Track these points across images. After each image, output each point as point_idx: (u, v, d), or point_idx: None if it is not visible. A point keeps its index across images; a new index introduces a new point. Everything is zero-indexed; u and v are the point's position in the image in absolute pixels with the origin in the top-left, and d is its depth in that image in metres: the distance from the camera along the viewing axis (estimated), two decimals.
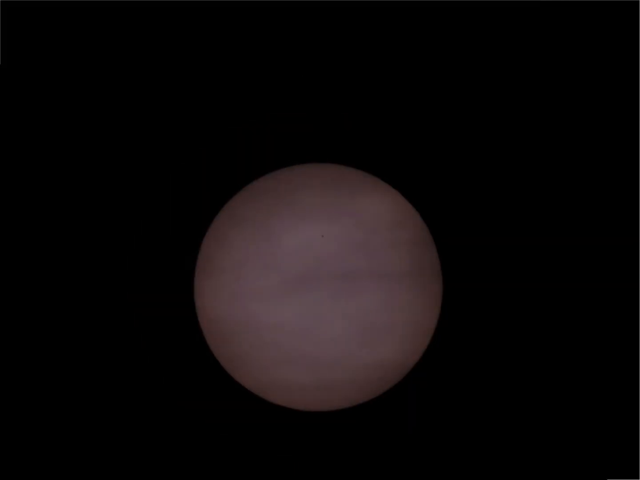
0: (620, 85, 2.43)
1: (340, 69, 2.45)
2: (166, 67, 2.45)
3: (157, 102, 2.45)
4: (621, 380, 2.40)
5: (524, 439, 2.41)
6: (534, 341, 2.41)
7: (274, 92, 2.45)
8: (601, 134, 2.44)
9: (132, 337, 2.41)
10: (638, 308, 2.40)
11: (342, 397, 2.20)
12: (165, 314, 2.41)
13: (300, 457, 2.40)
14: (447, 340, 2.40)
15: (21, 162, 2.42)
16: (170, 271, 2.41)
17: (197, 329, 2.34)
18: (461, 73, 2.44)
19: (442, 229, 2.41)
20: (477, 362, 2.41)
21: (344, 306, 2.09)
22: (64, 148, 2.43)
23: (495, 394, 2.41)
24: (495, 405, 2.41)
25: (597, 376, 2.41)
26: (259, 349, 2.13)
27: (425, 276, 2.21)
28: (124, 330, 2.41)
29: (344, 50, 2.45)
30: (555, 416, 2.41)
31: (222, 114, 2.45)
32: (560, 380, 2.41)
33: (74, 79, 2.44)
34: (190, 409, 2.41)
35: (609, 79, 2.44)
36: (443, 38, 2.45)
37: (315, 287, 2.08)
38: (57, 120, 2.43)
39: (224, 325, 2.16)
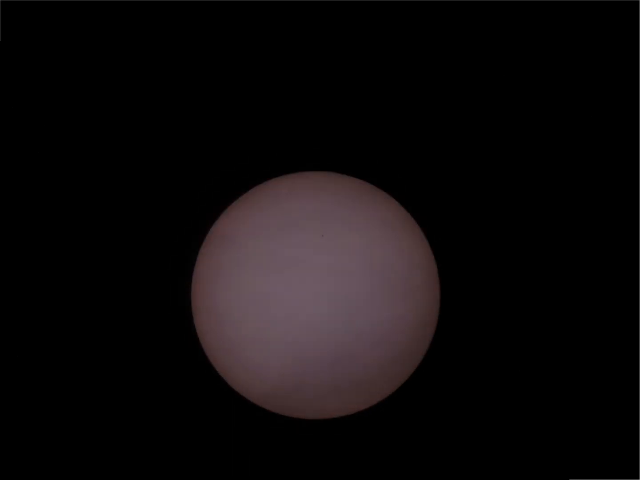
0: (620, 85, 2.43)
1: (336, 73, 2.44)
2: (163, 66, 2.44)
3: (155, 103, 2.44)
4: (621, 380, 2.41)
5: (523, 439, 2.41)
6: (534, 341, 2.42)
7: (271, 98, 2.45)
8: (601, 134, 2.44)
9: (126, 342, 2.41)
10: (638, 308, 2.40)
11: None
12: (161, 323, 2.41)
13: (299, 467, 2.40)
14: (445, 345, 2.40)
15: (19, 163, 2.42)
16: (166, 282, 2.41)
17: (194, 332, 2.34)
18: (459, 73, 2.44)
19: (438, 231, 2.41)
20: (476, 362, 2.41)
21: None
22: (63, 148, 2.43)
23: (495, 395, 2.41)
24: (495, 405, 2.41)
25: (597, 377, 2.42)
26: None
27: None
28: (119, 333, 2.41)
29: (339, 54, 2.44)
30: (555, 416, 2.42)
31: (218, 120, 2.45)
32: (560, 380, 2.42)
33: (72, 80, 2.43)
34: (187, 414, 2.41)
35: (609, 78, 2.44)
36: (440, 39, 2.44)
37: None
38: (54, 118, 2.42)
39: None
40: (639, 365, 2.40)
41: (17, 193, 2.41)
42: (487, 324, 2.42)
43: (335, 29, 2.44)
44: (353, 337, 2.09)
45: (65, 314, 2.40)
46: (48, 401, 2.40)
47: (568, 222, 2.44)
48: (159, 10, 2.43)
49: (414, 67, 2.45)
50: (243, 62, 2.45)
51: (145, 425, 2.40)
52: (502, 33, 2.44)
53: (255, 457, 2.40)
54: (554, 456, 2.41)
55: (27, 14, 2.42)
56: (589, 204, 2.44)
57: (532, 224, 2.43)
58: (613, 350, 2.41)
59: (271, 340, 2.10)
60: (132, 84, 2.44)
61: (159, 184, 2.43)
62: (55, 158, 2.42)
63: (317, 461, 2.40)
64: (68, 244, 2.41)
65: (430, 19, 2.44)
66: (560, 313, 2.42)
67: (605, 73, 2.44)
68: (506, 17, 2.44)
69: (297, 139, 2.44)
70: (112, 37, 2.44)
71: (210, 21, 2.44)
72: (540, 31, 2.44)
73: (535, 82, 2.44)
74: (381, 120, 2.44)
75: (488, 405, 2.41)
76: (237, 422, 2.40)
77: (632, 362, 2.40)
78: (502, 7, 2.43)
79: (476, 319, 2.41)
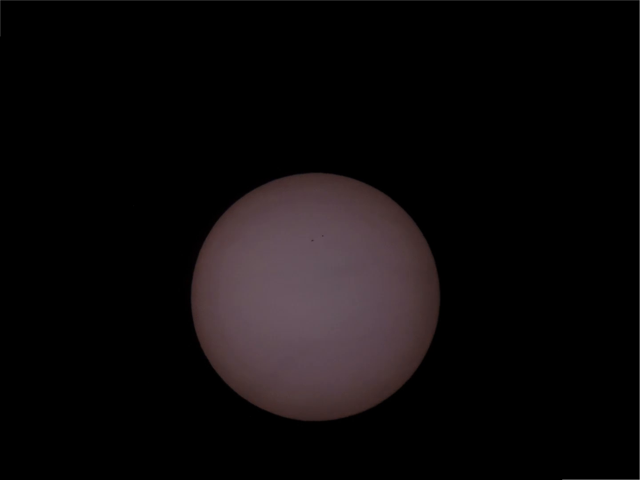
0: (620, 85, 2.43)
1: (333, 75, 2.44)
2: (162, 67, 2.44)
3: (155, 103, 2.44)
4: (621, 380, 2.41)
5: (523, 439, 2.42)
6: (533, 341, 2.42)
7: (269, 100, 2.45)
8: (601, 135, 2.44)
9: (125, 342, 2.41)
10: (638, 308, 2.40)
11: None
12: (160, 322, 2.41)
13: (298, 470, 2.40)
14: (445, 345, 2.40)
15: (18, 161, 2.42)
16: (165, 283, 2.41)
17: (193, 335, 2.34)
18: (460, 73, 2.44)
19: (438, 231, 2.41)
20: (476, 363, 2.41)
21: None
22: (63, 147, 2.43)
23: (494, 395, 2.41)
24: (495, 405, 2.41)
25: (597, 377, 2.42)
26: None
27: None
28: (118, 333, 2.41)
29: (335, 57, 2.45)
30: (555, 416, 2.42)
31: (216, 123, 2.45)
32: (560, 380, 2.42)
33: (72, 79, 2.43)
34: (185, 416, 2.41)
35: (609, 79, 2.43)
36: (439, 40, 2.44)
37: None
38: (54, 118, 2.43)
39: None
40: (639, 365, 2.40)
41: (17, 192, 2.41)
42: (487, 324, 2.42)
43: (335, 29, 2.44)
44: (354, 339, 2.09)
45: (64, 315, 2.40)
46: (47, 399, 2.40)
47: (568, 222, 2.44)
48: (159, 11, 2.43)
49: (416, 67, 2.45)
50: (243, 63, 2.45)
51: (145, 426, 2.40)
52: (502, 33, 2.44)
53: (254, 457, 2.40)
54: (553, 456, 2.41)
55: (27, 13, 2.42)
56: (589, 204, 2.44)
57: (532, 224, 2.43)
58: (613, 350, 2.41)
59: (272, 341, 2.10)
60: (133, 83, 2.44)
61: (159, 185, 2.43)
62: (55, 157, 2.42)
63: (317, 462, 2.40)
64: (68, 244, 2.41)
65: (430, 20, 2.44)
66: (560, 313, 2.42)
67: (605, 73, 2.44)
68: (506, 17, 2.44)
69: (297, 139, 2.44)
70: (113, 37, 2.44)
71: (211, 22, 2.44)
72: (540, 31, 2.44)
73: (535, 82, 2.44)
74: (381, 121, 2.44)
75: (487, 406, 2.41)
76: (236, 422, 2.40)
77: (632, 362, 2.40)
78: (502, 7, 2.43)
79: (476, 319, 2.41)
